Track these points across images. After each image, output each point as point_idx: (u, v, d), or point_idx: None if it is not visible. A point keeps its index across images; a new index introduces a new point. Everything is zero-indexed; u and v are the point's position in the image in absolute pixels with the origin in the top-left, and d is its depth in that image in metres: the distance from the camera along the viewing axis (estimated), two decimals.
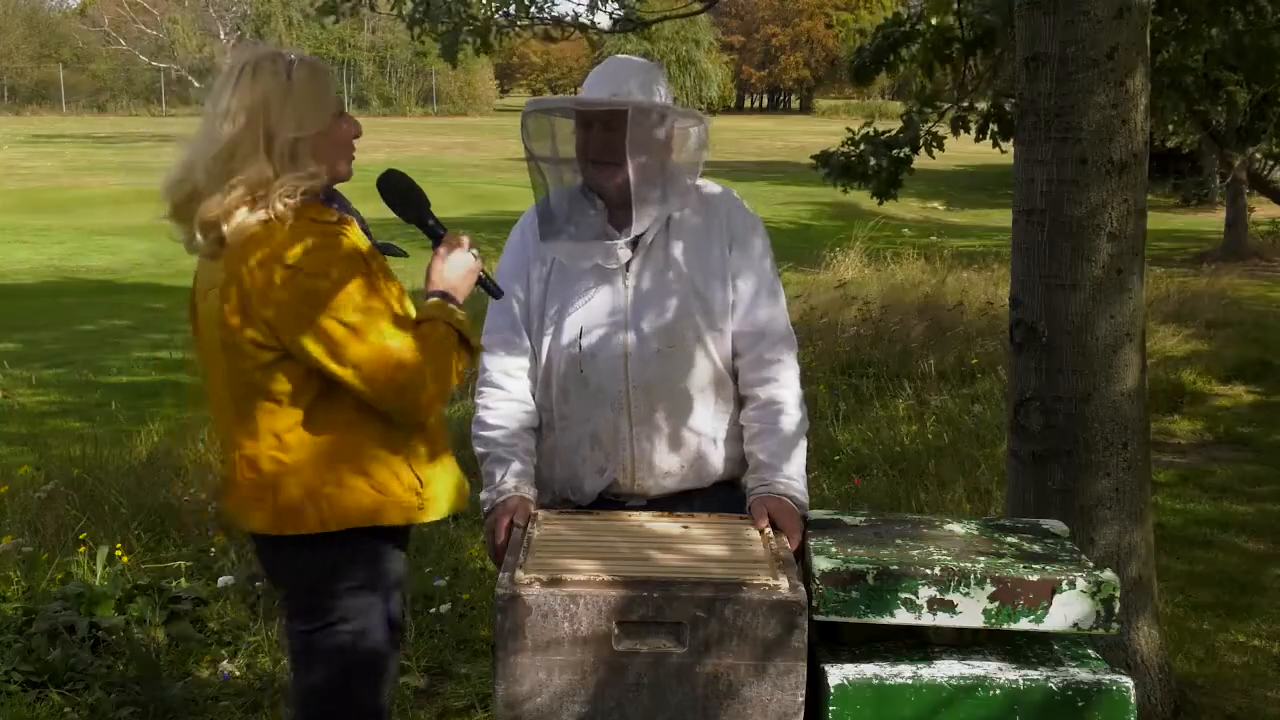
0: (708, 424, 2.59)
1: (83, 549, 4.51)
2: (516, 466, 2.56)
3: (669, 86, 2.64)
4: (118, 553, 4.46)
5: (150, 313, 12.22)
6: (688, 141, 2.61)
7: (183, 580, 4.47)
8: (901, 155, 6.92)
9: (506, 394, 2.61)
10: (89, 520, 4.92)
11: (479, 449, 2.61)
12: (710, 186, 2.66)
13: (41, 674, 3.70)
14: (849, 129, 7.27)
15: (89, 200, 22.87)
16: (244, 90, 2.27)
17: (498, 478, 2.55)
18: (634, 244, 2.54)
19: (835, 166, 7.05)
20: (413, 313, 2.37)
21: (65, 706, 3.57)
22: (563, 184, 2.62)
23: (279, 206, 2.24)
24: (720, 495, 2.63)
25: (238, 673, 3.84)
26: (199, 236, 2.30)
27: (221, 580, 4.40)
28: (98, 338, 10.84)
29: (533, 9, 6.20)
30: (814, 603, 2.21)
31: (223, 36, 43.87)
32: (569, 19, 6.63)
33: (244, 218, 2.25)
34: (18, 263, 15.86)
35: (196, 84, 45.75)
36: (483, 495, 2.57)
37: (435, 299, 2.38)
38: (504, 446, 2.57)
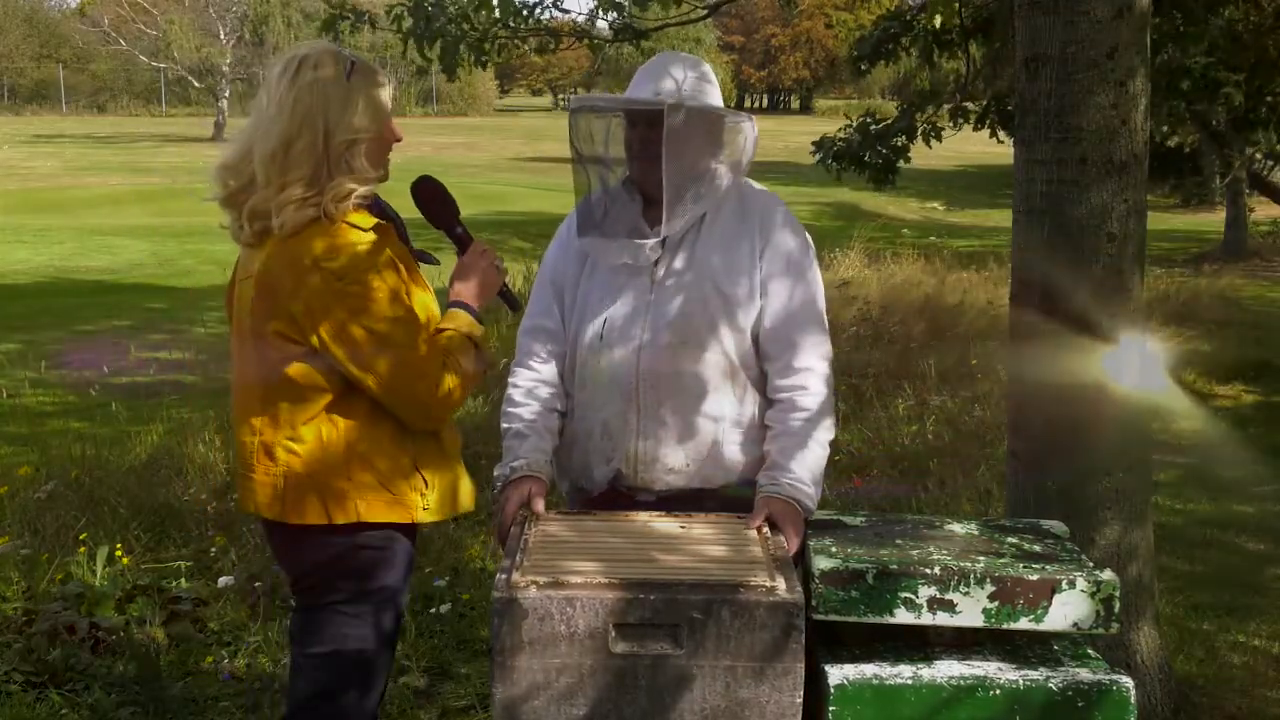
0: (720, 423, 2.58)
1: (83, 549, 4.51)
2: (533, 442, 2.59)
3: (716, 84, 2.64)
4: (118, 553, 4.46)
5: (150, 313, 12.21)
6: (735, 140, 2.62)
7: (183, 580, 4.47)
8: (899, 144, 6.94)
9: (536, 374, 2.66)
10: (89, 520, 4.92)
11: (504, 424, 2.66)
12: (756, 189, 2.67)
13: (41, 674, 3.70)
14: (846, 116, 7.31)
15: (89, 200, 22.88)
16: (303, 84, 2.30)
17: (512, 454, 2.59)
18: (664, 240, 2.56)
19: (832, 152, 7.06)
20: (436, 316, 2.42)
21: (65, 707, 3.57)
22: (604, 181, 2.65)
23: (330, 208, 2.28)
24: (734, 497, 2.61)
25: (238, 673, 3.84)
26: (245, 226, 2.34)
27: (221, 580, 4.40)
28: (98, 338, 10.83)
29: (531, 20, 6.23)
30: (814, 602, 2.21)
31: (222, 37, 43.81)
32: (568, 30, 6.67)
33: (294, 213, 2.28)
34: (17, 263, 15.84)
35: (196, 84, 45.76)
36: (496, 470, 2.61)
37: (455, 309, 2.44)
38: (525, 422, 2.61)
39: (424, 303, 2.40)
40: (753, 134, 2.63)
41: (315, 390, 2.33)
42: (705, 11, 6.87)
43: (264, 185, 2.30)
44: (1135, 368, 3.49)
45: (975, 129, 7.03)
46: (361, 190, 2.33)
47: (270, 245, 2.32)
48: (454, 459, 2.50)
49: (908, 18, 7.08)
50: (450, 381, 2.34)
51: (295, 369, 2.32)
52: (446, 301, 2.46)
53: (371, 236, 2.32)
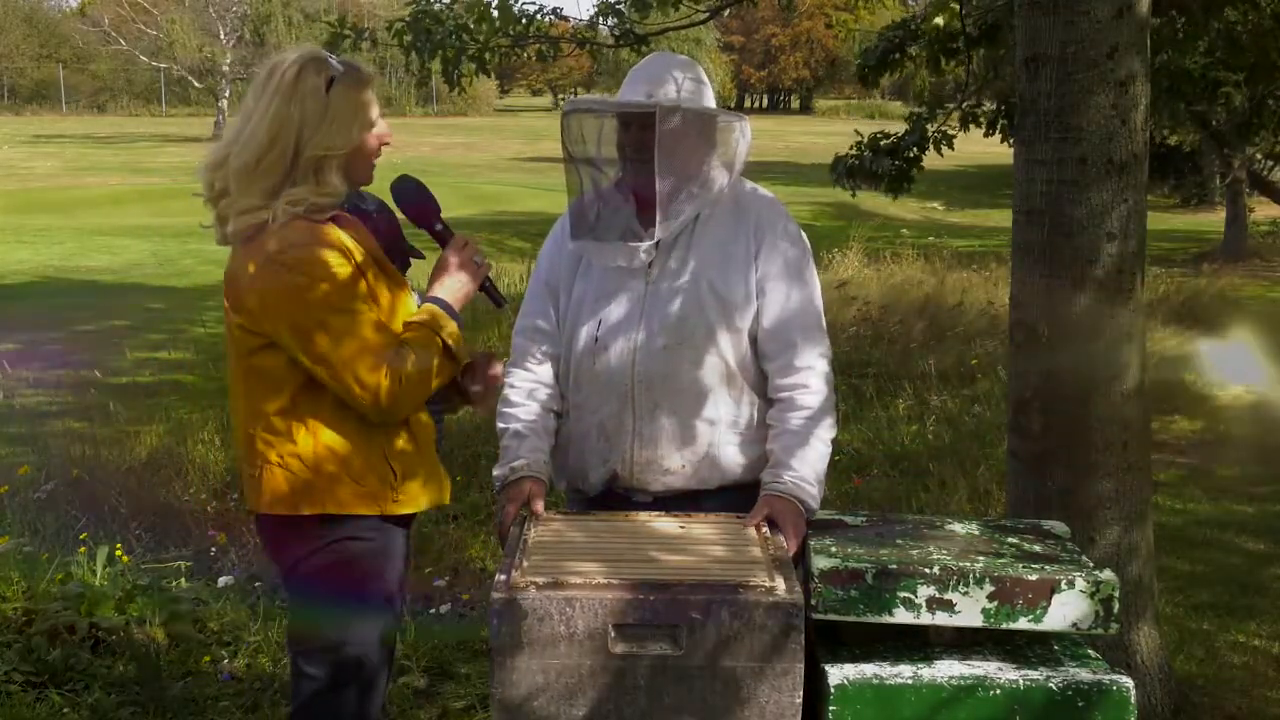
0: (716, 425, 2.58)
1: (83, 549, 4.51)
2: (532, 442, 2.60)
3: (711, 85, 2.64)
4: (118, 553, 4.46)
5: (150, 313, 12.20)
6: (728, 140, 2.61)
7: (183, 580, 4.47)
8: (911, 155, 6.96)
9: (532, 375, 2.66)
10: (89, 520, 4.92)
11: (501, 425, 2.66)
12: (751, 189, 2.66)
13: (41, 674, 3.70)
14: (857, 131, 7.32)
15: (89, 200, 22.87)
16: (283, 97, 2.31)
17: (511, 455, 2.60)
18: (658, 242, 2.55)
19: (845, 170, 7.10)
20: (409, 311, 2.41)
21: (65, 706, 3.57)
22: (596, 183, 2.65)
23: (279, 210, 2.30)
24: (731, 499, 2.61)
25: (238, 673, 3.84)
26: (216, 227, 2.40)
27: (221, 580, 4.41)
28: (98, 338, 10.83)
29: (531, 29, 6.24)
30: (813, 601, 2.21)
31: (222, 37, 43.79)
32: (568, 36, 6.67)
33: (244, 218, 2.32)
34: (17, 263, 15.83)
35: (197, 84, 45.73)
36: (495, 470, 2.61)
37: (430, 305, 2.42)
38: (524, 423, 2.62)
39: (395, 299, 2.39)
40: (746, 134, 2.62)
41: (280, 381, 2.34)
42: (705, 15, 6.87)
43: (232, 194, 2.34)
44: (1135, 367, 3.49)
45: (986, 134, 7.04)
46: (315, 201, 2.31)
47: (233, 243, 2.37)
48: (427, 451, 2.47)
49: (912, 26, 7.06)
50: (403, 375, 2.31)
51: (259, 360, 2.35)
52: (423, 298, 2.45)
53: (328, 228, 2.32)
